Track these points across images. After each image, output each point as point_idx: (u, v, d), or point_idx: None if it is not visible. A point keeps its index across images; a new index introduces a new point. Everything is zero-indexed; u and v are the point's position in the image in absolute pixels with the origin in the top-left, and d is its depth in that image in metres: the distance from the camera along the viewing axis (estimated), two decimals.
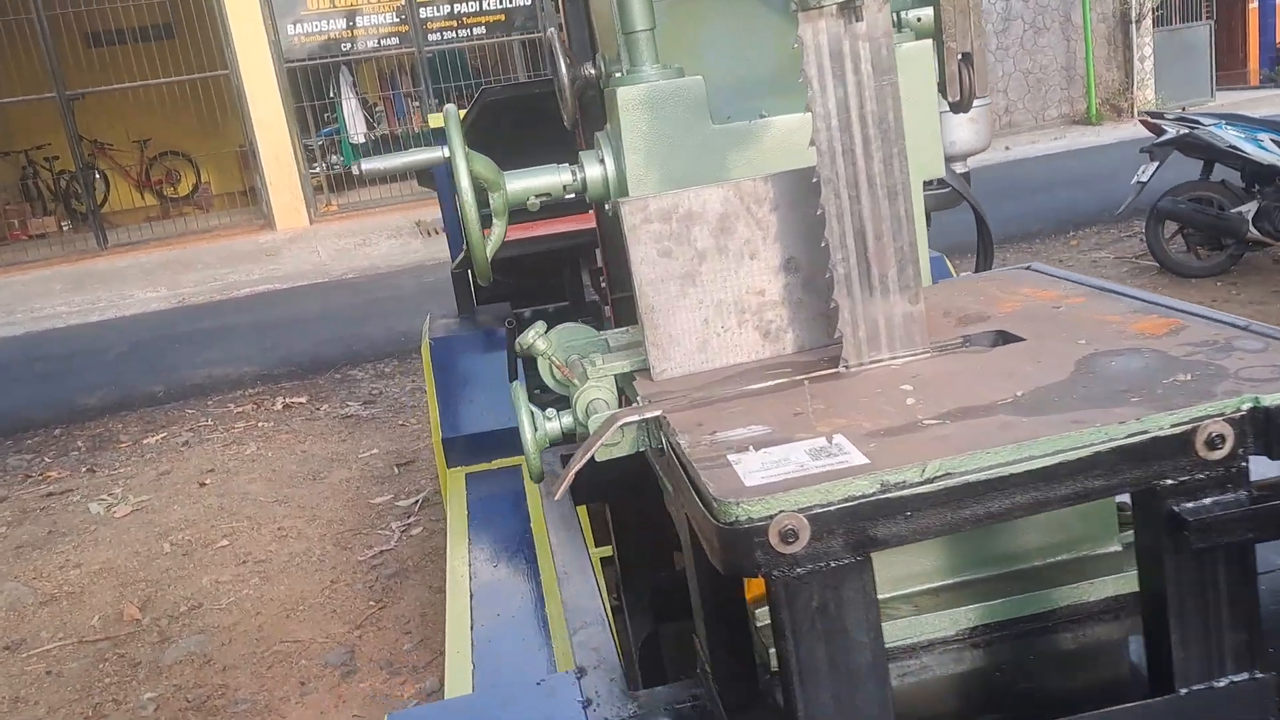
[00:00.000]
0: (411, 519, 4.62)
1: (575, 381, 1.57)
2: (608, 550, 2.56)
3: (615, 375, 1.56)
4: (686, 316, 1.49)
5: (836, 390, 1.32)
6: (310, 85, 13.27)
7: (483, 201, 1.71)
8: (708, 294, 1.49)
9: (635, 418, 1.37)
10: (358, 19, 13.07)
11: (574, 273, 3.89)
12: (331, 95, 14.19)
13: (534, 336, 1.59)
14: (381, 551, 4.32)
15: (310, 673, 3.48)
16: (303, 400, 6.85)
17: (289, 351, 8.12)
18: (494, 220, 1.83)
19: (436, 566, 4.13)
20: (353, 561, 4.28)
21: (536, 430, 1.54)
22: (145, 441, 6.41)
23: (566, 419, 1.56)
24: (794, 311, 1.49)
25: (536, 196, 1.85)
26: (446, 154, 1.77)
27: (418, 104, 15.00)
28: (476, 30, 13.41)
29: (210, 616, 3.97)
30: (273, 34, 12.80)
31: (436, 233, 12.82)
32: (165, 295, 11.43)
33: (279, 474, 5.47)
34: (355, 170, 1.84)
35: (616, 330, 1.79)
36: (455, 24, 13.26)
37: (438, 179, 4.28)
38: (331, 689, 3.37)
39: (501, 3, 13.35)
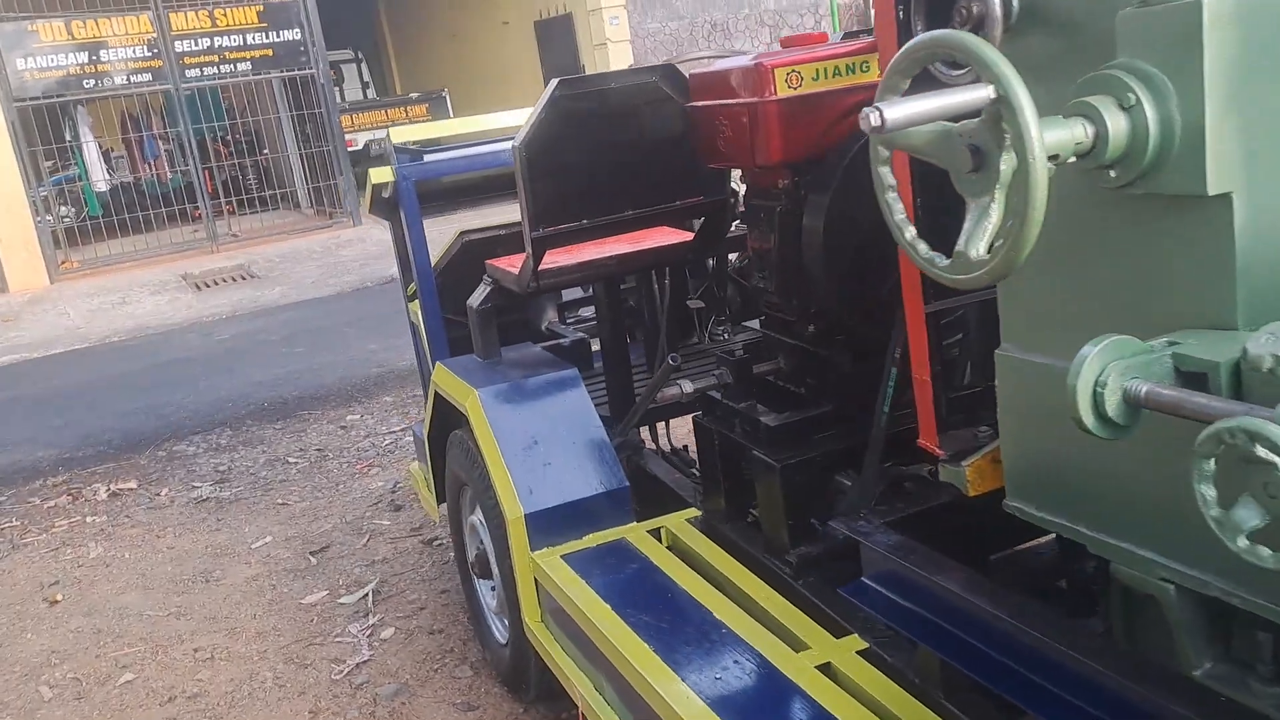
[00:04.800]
0: (373, 619, 3.77)
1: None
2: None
3: None
4: None
5: None
6: (44, 127, 11.63)
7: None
8: None
9: None
10: (101, 53, 11.58)
11: (613, 300, 3.24)
12: (69, 138, 12.53)
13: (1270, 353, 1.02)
14: (359, 665, 3.46)
15: None
16: (132, 485, 5.68)
17: (87, 429, 6.82)
18: (984, 200, 1.27)
19: (444, 677, 3.33)
20: (325, 682, 3.39)
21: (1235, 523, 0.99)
22: None
23: (1251, 511, 1.01)
24: None
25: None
26: (995, 94, 1.20)
27: (168, 146, 13.54)
28: (241, 66, 12.21)
29: None
30: None
31: (209, 285, 11.51)
32: None
33: (153, 579, 4.40)
34: (874, 120, 1.21)
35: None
36: (217, 59, 12.00)
37: (404, 200, 3.52)
38: None
39: (267, 37, 12.21)
